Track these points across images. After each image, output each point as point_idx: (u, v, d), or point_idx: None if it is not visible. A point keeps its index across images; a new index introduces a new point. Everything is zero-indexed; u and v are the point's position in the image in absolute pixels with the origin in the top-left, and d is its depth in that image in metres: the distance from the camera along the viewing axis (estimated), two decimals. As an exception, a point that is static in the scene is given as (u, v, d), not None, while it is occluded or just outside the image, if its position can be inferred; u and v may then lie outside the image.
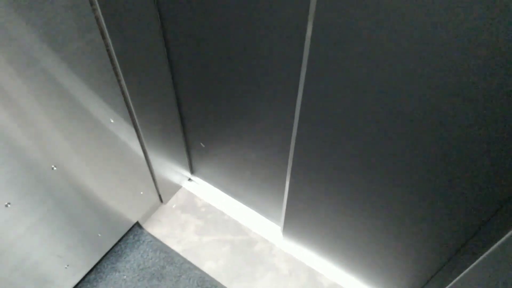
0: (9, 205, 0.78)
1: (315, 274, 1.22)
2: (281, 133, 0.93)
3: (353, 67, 0.64)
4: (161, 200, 1.38)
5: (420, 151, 0.68)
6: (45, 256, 0.94)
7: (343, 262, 1.14)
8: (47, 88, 0.74)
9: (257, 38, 0.77)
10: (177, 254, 1.25)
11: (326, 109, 0.75)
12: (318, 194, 0.97)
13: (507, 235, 0.60)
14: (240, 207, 1.38)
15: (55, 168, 0.84)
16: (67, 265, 1.04)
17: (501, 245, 0.61)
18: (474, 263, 0.68)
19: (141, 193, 1.22)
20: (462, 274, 0.72)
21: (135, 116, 0.99)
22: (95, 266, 1.20)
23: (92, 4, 0.74)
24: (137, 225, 1.32)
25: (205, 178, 1.43)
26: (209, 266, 1.23)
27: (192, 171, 1.45)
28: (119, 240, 1.27)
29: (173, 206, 1.40)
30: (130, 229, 1.30)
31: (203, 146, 1.24)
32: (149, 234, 1.30)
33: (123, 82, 0.90)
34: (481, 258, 0.66)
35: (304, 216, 1.09)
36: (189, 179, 1.48)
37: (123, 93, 0.92)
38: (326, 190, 0.94)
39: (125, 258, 1.23)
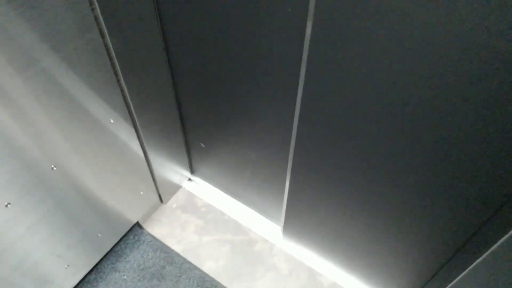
0: (9, 205, 0.78)
1: (315, 274, 1.22)
2: (281, 133, 0.93)
3: (353, 67, 0.64)
4: (161, 200, 1.38)
5: (420, 150, 0.68)
6: (45, 256, 0.94)
7: (343, 262, 1.14)
8: (46, 88, 0.74)
9: (256, 38, 0.77)
10: (177, 254, 1.25)
11: (325, 109, 0.75)
12: (318, 194, 0.97)
13: (507, 235, 0.59)
14: (240, 207, 1.38)
15: (55, 168, 0.84)
16: (67, 265, 1.04)
17: (501, 245, 0.61)
18: (474, 263, 0.68)
19: (141, 193, 1.22)
20: (462, 274, 0.72)
21: (135, 116, 0.99)
22: (95, 266, 1.20)
23: (91, 3, 0.74)
24: (137, 225, 1.32)
25: (205, 178, 1.43)
26: (209, 266, 1.23)
27: (192, 171, 1.45)
28: (119, 240, 1.27)
29: (173, 206, 1.40)
30: (130, 229, 1.30)
31: (203, 146, 1.24)
32: (149, 234, 1.30)
33: (122, 82, 0.90)
34: (481, 258, 0.66)
35: (304, 216, 1.09)
36: (189, 179, 1.48)
37: (122, 93, 0.92)
38: (326, 190, 0.94)
39: (125, 258, 1.23)
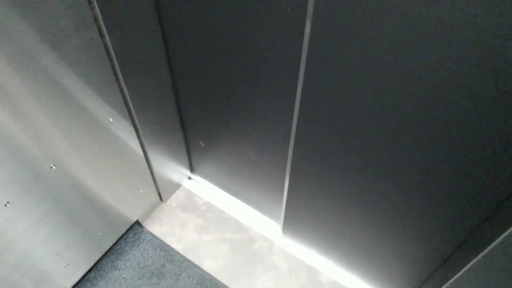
0: (8, 204, 0.78)
1: (315, 272, 1.22)
2: (280, 132, 0.93)
3: (352, 66, 0.64)
4: (161, 199, 1.38)
5: (420, 150, 0.68)
6: (45, 255, 0.95)
7: (342, 261, 1.15)
8: (46, 87, 0.74)
9: (255, 38, 0.77)
10: (177, 253, 1.25)
11: (324, 108, 0.75)
12: (317, 192, 0.97)
13: (504, 234, 0.60)
14: (240, 206, 1.38)
15: (54, 167, 0.84)
16: (67, 264, 1.04)
17: (500, 244, 0.62)
18: (473, 261, 0.68)
19: (141, 191, 1.22)
20: (461, 272, 0.72)
21: (135, 115, 0.99)
22: (95, 265, 1.20)
23: (90, 3, 0.74)
24: (137, 223, 1.32)
25: (205, 176, 1.43)
26: (209, 265, 1.23)
27: (192, 170, 1.46)
28: (119, 239, 1.27)
29: (173, 205, 1.40)
30: (130, 228, 1.30)
31: (203, 144, 1.24)
32: (149, 232, 1.30)
33: (121, 81, 0.90)
34: (479, 256, 0.66)
35: (304, 215, 1.09)
36: (189, 178, 1.48)
37: (122, 91, 0.92)
38: (325, 188, 0.94)
39: (125, 256, 1.24)
